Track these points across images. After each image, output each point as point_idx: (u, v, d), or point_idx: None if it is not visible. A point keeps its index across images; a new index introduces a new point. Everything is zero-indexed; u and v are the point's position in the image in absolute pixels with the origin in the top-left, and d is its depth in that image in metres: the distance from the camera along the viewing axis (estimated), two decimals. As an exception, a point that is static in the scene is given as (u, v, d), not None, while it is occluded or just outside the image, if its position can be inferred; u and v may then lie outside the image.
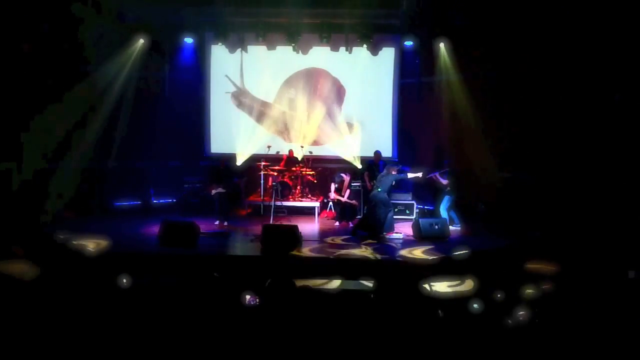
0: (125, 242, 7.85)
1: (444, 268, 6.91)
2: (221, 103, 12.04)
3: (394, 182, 8.96)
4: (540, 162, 9.21)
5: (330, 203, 10.79)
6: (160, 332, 2.99)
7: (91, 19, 9.39)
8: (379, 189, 8.70)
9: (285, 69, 11.88)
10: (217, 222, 9.26)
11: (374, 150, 10.65)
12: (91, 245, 7.35)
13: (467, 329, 3.09)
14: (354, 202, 10.00)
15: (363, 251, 7.73)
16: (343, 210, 9.81)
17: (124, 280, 3.72)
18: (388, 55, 11.77)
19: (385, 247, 8.00)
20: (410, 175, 8.94)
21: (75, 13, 9.01)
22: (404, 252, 7.70)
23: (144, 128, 10.82)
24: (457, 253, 7.52)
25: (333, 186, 10.13)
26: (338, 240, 8.43)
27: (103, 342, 2.93)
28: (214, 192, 9.32)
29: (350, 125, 11.90)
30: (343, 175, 10.22)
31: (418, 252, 7.69)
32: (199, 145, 11.90)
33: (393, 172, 8.80)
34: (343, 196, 9.92)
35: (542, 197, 8.94)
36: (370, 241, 8.27)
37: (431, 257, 7.42)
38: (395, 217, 9.22)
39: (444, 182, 9.36)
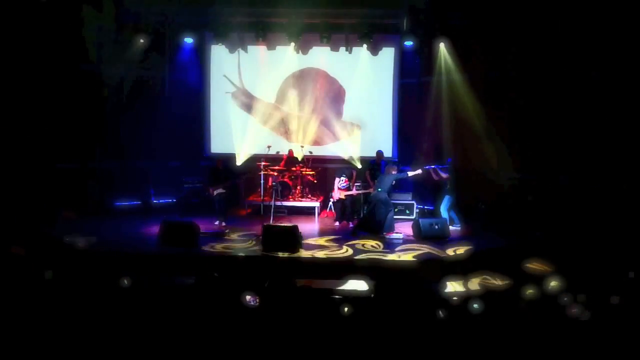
0: (125, 242, 7.86)
1: (446, 268, 6.92)
2: (221, 103, 12.03)
3: (394, 182, 8.94)
4: (540, 162, 9.21)
5: (331, 203, 10.77)
6: (161, 332, 2.99)
7: (91, 19, 9.40)
8: (380, 189, 8.69)
9: (285, 69, 11.87)
10: (217, 222, 9.24)
11: (376, 150, 10.65)
12: (89, 245, 7.36)
13: (467, 329, 3.09)
14: (370, 190, 9.69)
15: (363, 250, 7.73)
16: (343, 210, 9.79)
17: (125, 281, 3.72)
18: (388, 55, 11.76)
19: (385, 247, 7.99)
20: (410, 173, 8.87)
21: (75, 13, 9.03)
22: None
23: (144, 128, 10.82)
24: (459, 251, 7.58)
25: (338, 181, 9.87)
26: (337, 240, 8.42)
27: (103, 341, 2.93)
28: (215, 192, 9.26)
29: (350, 125, 11.91)
30: (351, 169, 10.20)
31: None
32: (199, 145, 11.90)
33: (393, 172, 8.79)
34: (352, 189, 9.84)
35: (542, 197, 8.94)
36: (370, 241, 8.27)
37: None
38: (395, 217, 9.20)
39: (445, 175, 9.27)
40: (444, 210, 9.32)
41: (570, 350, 2.93)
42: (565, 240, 7.63)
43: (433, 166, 9.42)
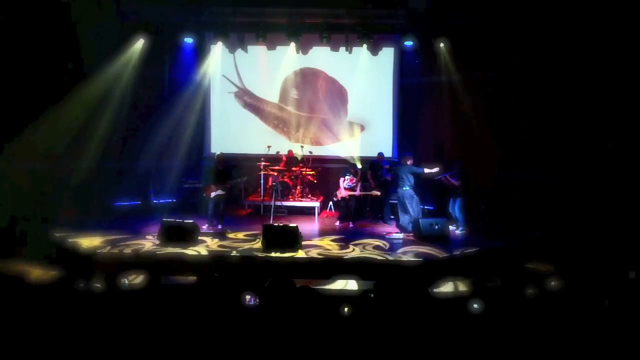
0: (125, 242, 7.86)
1: (446, 268, 6.92)
2: (221, 103, 12.05)
3: (409, 173, 8.81)
4: (540, 162, 9.21)
5: (331, 203, 10.76)
6: (161, 332, 2.99)
7: (91, 19, 9.39)
8: (405, 188, 8.70)
9: (285, 69, 11.89)
10: (205, 226, 8.83)
11: (377, 152, 10.63)
12: (89, 245, 7.37)
13: (467, 329, 3.09)
14: (372, 193, 9.72)
15: (363, 250, 7.73)
16: (347, 210, 9.71)
17: (125, 281, 3.72)
18: (388, 55, 11.78)
19: (385, 247, 7.99)
20: (427, 170, 8.74)
21: (75, 12, 9.02)
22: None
23: (144, 128, 10.82)
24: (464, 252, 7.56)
25: (343, 180, 9.76)
26: (339, 240, 8.42)
27: (103, 341, 2.93)
28: (213, 194, 8.92)
29: (350, 125, 11.92)
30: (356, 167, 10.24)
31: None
32: (199, 145, 11.90)
33: (408, 162, 8.71)
34: (356, 189, 9.79)
35: (542, 196, 8.94)
36: (369, 241, 8.27)
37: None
38: (393, 217, 9.17)
39: (456, 183, 9.24)
40: (458, 212, 9.21)
41: (569, 351, 2.93)
42: (564, 240, 7.63)
43: (443, 175, 9.36)
